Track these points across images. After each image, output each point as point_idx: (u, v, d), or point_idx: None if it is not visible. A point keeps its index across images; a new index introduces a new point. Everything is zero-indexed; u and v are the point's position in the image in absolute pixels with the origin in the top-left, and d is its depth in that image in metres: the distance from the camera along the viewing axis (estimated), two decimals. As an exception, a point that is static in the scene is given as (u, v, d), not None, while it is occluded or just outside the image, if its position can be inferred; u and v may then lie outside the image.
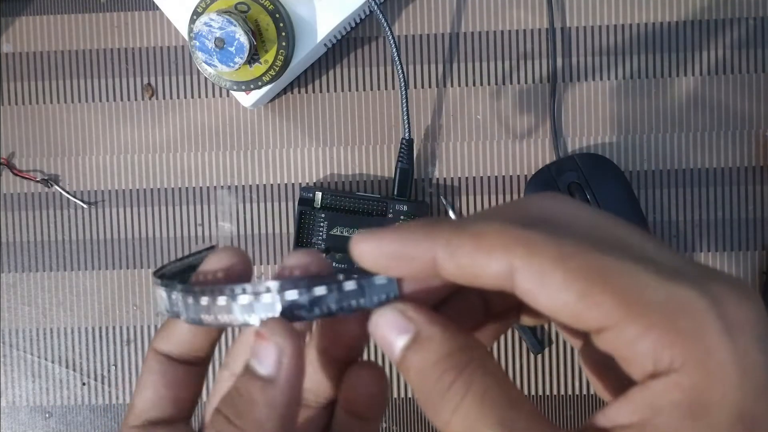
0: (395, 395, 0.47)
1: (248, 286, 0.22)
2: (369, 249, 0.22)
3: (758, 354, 0.18)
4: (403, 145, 0.45)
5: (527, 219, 0.21)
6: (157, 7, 0.45)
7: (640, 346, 0.18)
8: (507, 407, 0.19)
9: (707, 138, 0.46)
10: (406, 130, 0.44)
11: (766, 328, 0.19)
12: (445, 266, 0.21)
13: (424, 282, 0.22)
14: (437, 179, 0.47)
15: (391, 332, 0.21)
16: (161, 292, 0.24)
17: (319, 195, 0.45)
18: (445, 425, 0.20)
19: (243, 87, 0.43)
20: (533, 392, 0.47)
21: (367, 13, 0.46)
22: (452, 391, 0.20)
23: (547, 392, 0.47)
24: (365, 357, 0.25)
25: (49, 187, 0.48)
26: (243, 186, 0.47)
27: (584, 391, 0.46)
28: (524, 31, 0.46)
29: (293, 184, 0.47)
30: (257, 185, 0.47)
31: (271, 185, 0.47)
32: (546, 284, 0.19)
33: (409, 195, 0.45)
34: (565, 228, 0.20)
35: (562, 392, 0.47)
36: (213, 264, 0.24)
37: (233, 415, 0.22)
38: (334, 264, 0.45)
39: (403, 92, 0.44)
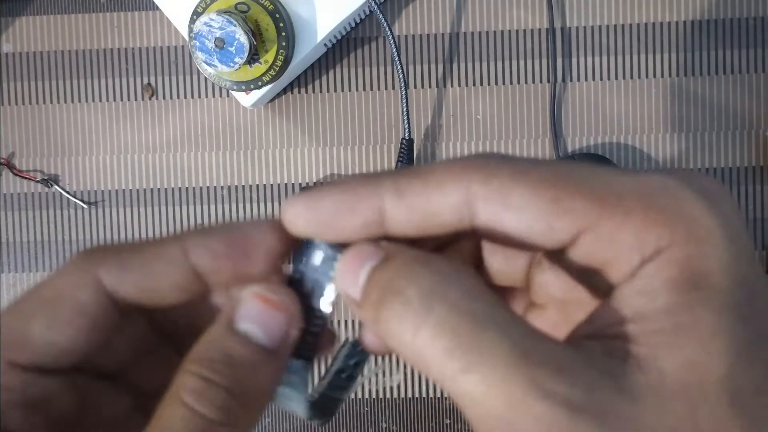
0: (395, 395, 0.47)
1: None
2: (302, 211, 0.19)
3: (738, 220, 0.18)
4: (403, 145, 0.45)
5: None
6: (157, 7, 0.45)
7: (621, 239, 0.17)
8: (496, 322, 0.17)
9: (707, 138, 0.46)
10: (406, 130, 0.44)
11: (734, 201, 0.18)
12: (394, 214, 0.19)
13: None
14: (437, 179, 0.47)
15: (358, 261, 0.19)
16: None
17: (319, 195, 0.45)
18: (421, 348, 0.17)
19: (243, 87, 0.43)
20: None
21: (367, 13, 0.46)
22: (430, 306, 0.17)
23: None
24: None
25: (49, 187, 0.48)
26: (243, 186, 0.47)
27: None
28: (524, 31, 0.46)
29: (293, 184, 0.47)
30: (257, 185, 0.47)
31: (271, 185, 0.47)
32: (510, 202, 0.18)
33: (409, 195, 0.45)
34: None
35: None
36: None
37: (228, 382, 0.19)
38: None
39: (403, 92, 0.44)
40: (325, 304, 0.21)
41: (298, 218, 0.19)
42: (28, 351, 0.20)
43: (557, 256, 0.19)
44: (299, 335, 0.20)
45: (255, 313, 0.20)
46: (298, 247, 0.21)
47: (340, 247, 0.20)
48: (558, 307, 0.22)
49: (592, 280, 0.19)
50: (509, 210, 0.18)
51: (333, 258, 0.20)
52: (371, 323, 0.18)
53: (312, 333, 0.21)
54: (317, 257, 0.20)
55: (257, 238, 0.20)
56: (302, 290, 0.21)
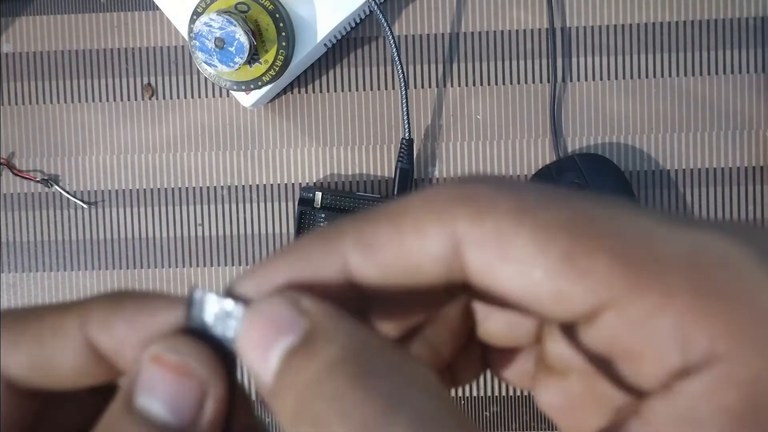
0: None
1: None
2: (253, 288, 0.15)
3: None
4: (403, 145, 0.45)
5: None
6: (157, 7, 0.45)
7: (657, 328, 0.12)
8: None
9: (707, 138, 0.46)
10: (406, 130, 0.44)
11: None
12: (362, 270, 0.14)
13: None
14: (437, 179, 0.47)
15: (269, 333, 0.14)
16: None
17: (319, 195, 0.45)
18: None
19: (243, 87, 0.43)
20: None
21: (367, 13, 0.46)
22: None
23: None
24: None
25: (49, 187, 0.48)
26: (243, 186, 0.47)
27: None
28: (524, 31, 0.46)
29: (293, 184, 0.47)
30: (257, 185, 0.47)
31: (271, 185, 0.47)
32: (507, 253, 0.13)
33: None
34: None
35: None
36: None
37: None
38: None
39: (403, 92, 0.44)
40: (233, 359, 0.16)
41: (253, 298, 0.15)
42: None
43: (572, 330, 0.15)
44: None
45: (155, 383, 0.15)
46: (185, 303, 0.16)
47: (238, 299, 0.16)
48: (581, 376, 0.16)
49: (617, 371, 0.14)
50: (506, 264, 0.13)
51: (227, 315, 0.16)
52: (284, 425, 0.14)
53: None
54: (208, 313, 0.16)
55: (171, 319, 0.16)
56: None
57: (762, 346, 0.11)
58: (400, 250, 0.14)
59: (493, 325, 0.18)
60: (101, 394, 0.18)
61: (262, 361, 0.14)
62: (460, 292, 0.15)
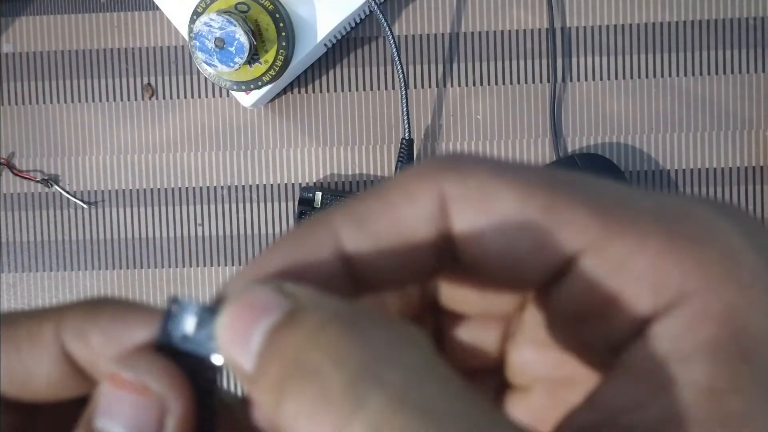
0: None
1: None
2: (248, 279, 0.15)
3: None
4: (403, 145, 0.45)
5: None
6: (157, 7, 0.45)
7: (633, 270, 0.12)
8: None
9: (707, 138, 0.46)
10: (406, 130, 0.44)
11: None
12: (358, 248, 0.14)
13: None
14: (437, 179, 0.47)
15: (249, 317, 0.13)
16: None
17: (319, 195, 0.45)
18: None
19: (243, 87, 0.43)
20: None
21: (367, 13, 0.46)
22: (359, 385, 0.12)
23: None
24: None
25: (49, 187, 0.48)
26: (243, 186, 0.47)
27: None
28: (524, 31, 0.46)
29: (293, 184, 0.47)
30: (257, 185, 0.47)
31: (271, 185, 0.47)
32: (491, 207, 0.14)
33: (409, 195, 0.45)
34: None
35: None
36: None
37: None
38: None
39: (403, 92, 0.44)
40: (212, 378, 0.15)
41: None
42: None
43: (543, 302, 0.15)
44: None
45: (112, 403, 0.14)
46: (161, 318, 0.15)
47: (216, 305, 0.15)
48: (545, 387, 0.17)
49: (591, 337, 0.14)
50: (490, 217, 0.13)
51: (211, 321, 0.15)
52: (268, 409, 0.13)
53: (204, 415, 0.15)
54: (188, 324, 0.15)
55: (146, 332, 0.15)
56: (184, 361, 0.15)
57: (732, 279, 0.12)
58: (390, 218, 0.14)
59: (459, 336, 0.17)
60: (84, 404, 0.17)
61: (242, 348, 0.13)
62: (449, 262, 0.15)
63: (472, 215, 0.14)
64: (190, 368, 0.15)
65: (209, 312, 0.15)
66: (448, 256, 0.15)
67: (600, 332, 0.14)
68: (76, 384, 0.16)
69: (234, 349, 0.13)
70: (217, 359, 0.15)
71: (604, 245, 0.13)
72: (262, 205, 0.47)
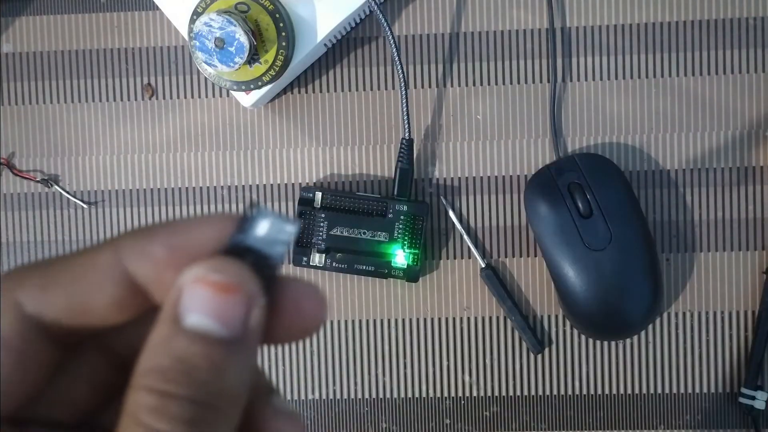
0: (395, 395, 0.47)
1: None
2: None
3: None
4: (403, 145, 0.45)
5: None
6: (157, 7, 0.45)
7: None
8: None
9: (707, 138, 0.46)
10: (406, 130, 0.44)
11: None
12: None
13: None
14: (437, 179, 0.47)
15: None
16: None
17: (319, 195, 0.45)
18: None
19: (243, 87, 0.43)
20: (533, 392, 0.47)
21: (367, 13, 0.46)
22: None
23: (547, 392, 0.47)
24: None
25: (49, 187, 0.48)
26: (243, 186, 0.47)
27: (584, 391, 0.46)
28: (524, 31, 0.46)
29: (293, 184, 0.47)
30: (257, 185, 0.47)
31: (271, 185, 0.47)
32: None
33: (410, 195, 0.45)
34: None
35: (562, 392, 0.47)
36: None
37: (189, 390, 0.16)
38: (334, 264, 0.45)
39: (403, 92, 0.44)
40: (272, 272, 0.18)
41: None
42: None
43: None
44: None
45: (203, 302, 0.16)
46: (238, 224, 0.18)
47: (284, 219, 0.18)
48: None
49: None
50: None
51: (281, 226, 0.17)
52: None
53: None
54: (262, 226, 0.18)
55: (204, 237, 0.17)
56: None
57: None
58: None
59: None
60: (113, 369, 0.19)
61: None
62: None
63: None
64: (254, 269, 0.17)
65: (281, 220, 0.17)
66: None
67: None
68: (135, 304, 0.18)
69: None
70: (279, 260, 0.17)
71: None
72: (262, 205, 0.47)
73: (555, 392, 0.47)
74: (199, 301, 0.16)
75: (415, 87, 0.46)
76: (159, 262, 0.17)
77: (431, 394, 0.47)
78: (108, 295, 0.17)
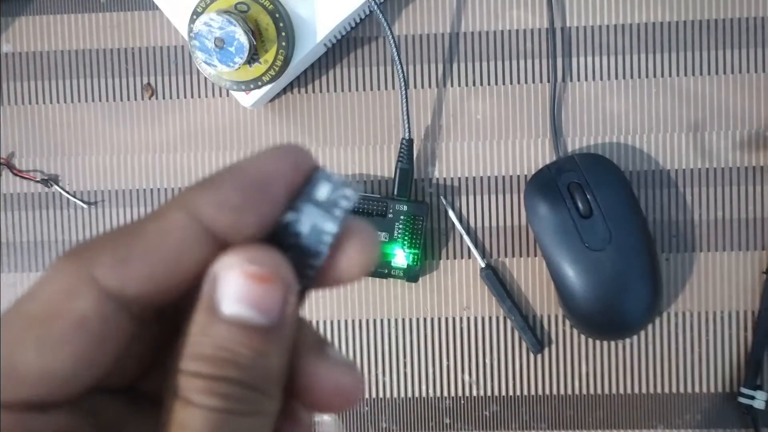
0: (395, 395, 0.47)
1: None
2: None
3: None
4: (403, 145, 0.45)
5: None
6: (157, 6, 0.45)
7: None
8: None
9: (707, 138, 0.46)
10: (406, 130, 0.44)
11: None
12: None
13: None
14: (437, 179, 0.47)
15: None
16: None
17: (319, 195, 0.45)
18: None
19: (243, 87, 0.43)
20: (533, 392, 0.47)
21: (367, 13, 0.46)
22: None
23: (547, 392, 0.47)
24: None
25: (49, 187, 0.48)
26: (243, 186, 0.47)
27: (584, 391, 0.46)
28: (524, 30, 0.46)
29: (293, 184, 0.47)
30: (257, 185, 0.47)
31: (271, 185, 0.47)
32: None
33: (409, 195, 0.45)
34: None
35: (562, 392, 0.46)
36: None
37: (235, 373, 0.16)
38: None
39: (403, 92, 0.44)
40: (323, 246, 0.18)
41: None
42: (18, 387, 0.15)
43: None
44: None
45: (240, 292, 0.16)
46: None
47: (347, 183, 0.17)
48: None
49: None
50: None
51: (343, 192, 0.17)
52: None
53: (304, 279, 0.18)
54: (323, 190, 0.18)
55: (277, 171, 0.17)
56: (291, 231, 0.18)
57: None
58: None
59: None
60: (162, 333, 0.19)
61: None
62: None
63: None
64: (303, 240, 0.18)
65: (344, 184, 0.17)
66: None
67: None
68: (217, 256, 0.17)
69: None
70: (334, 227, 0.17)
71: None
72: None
73: (555, 392, 0.47)
74: (236, 289, 0.16)
75: (415, 87, 0.46)
76: (236, 208, 0.17)
77: (431, 394, 0.47)
78: (191, 258, 0.16)
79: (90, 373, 0.16)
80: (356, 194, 0.18)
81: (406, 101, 0.44)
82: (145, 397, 0.19)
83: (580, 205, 0.43)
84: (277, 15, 0.42)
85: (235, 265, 0.16)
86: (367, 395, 0.47)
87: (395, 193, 0.45)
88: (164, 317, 0.18)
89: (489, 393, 0.47)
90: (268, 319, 0.16)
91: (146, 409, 0.18)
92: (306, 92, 0.47)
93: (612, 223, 0.42)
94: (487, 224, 0.46)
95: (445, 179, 0.47)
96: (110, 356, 0.16)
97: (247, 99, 0.44)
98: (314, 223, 0.17)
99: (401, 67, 0.43)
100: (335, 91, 0.47)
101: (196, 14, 0.42)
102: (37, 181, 0.48)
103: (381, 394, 0.47)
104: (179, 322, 0.17)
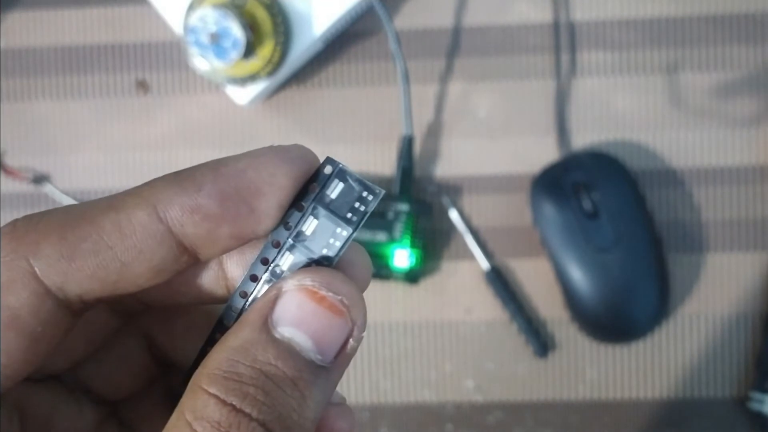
0: (395, 401, 0.46)
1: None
2: None
3: None
4: (403, 143, 0.44)
5: None
6: (149, 1, 0.44)
7: None
8: None
9: (717, 135, 0.45)
10: (407, 127, 0.43)
11: None
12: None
13: None
14: (439, 178, 0.46)
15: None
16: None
17: (317, 194, 0.44)
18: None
19: (239, 83, 0.42)
20: (537, 398, 0.46)
21: (367, 6, 0.45)
22: None
23: (552, 398, 0.46)
24: None
25: (41, 186, 0.47)
26: (239, 185, 0.47)
27: (590, 397, 0.46)
28: (528, 25, 0.45)
29: (291, 183, 0.46)
30: (254, 184, 0.46)
31: (269, 184, 0.46)
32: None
33: (410, 194, 0.45)
34: None
35: (566, 398, 0.46)
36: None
37: (263, 414, 0.13)
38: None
39: (404, 88, 0.43)
40: (331, 248, 0.16)
41: None
42: None
43: None
44: None
45: (303, 315, 0.14)
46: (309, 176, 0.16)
47: (366, 184, 0.16)
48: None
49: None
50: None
51: (359, 194, 0.16)
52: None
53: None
54: (335, 188, 0.16)
55: (266, 182, 0.15)
56: (297, 232, 0.16)
57: None
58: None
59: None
60: (151, 358, 0.18)
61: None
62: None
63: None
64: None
65: (362, 184, 0.16)
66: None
67: None
68: (180, 264, 0.15)
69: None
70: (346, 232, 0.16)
71: None
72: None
73: (560, 397, 0.46)
74: (299, 313, 0.14)
75: (417, 83, 0.46)
76: (211, 217, 0.15)
77: (433, 400, 0.46)
78: (149, 260, 0.15)
79: (18, 371, 0.14)
80: (377, 197, 0.16)
81: (407, 97, 0.43)
82: (78, 383, 0.17)
83: (585, 205, 0.42)
84: (274, 9, 0.41)
85: (308, 285, 0.14)
86: (367, 400, 0.46)
87: (396, 192, 0.44)
88: (117, 306, 0.17)
89: (492, 398, 0.46)
90: (323, 356, 0.14)
91: (79, 396, 0.17)
92: (304, 88, 0.46)
93: (619, 223, 0.42)
94: (490, 224, 0.46)
95: (447, 178, 0.46)
96: (43, 353, 0.15)
97: (244, 95, 0.43)
98: (324, 226, 0.16)
99: (402, 62, 0.42)
100: (334, 86, 0.46)
101: (190, 9, 0.41)
102: (30, 180, 0.47)
103: (381, 400, 0.46)
104: (132, 309, 0.16)
